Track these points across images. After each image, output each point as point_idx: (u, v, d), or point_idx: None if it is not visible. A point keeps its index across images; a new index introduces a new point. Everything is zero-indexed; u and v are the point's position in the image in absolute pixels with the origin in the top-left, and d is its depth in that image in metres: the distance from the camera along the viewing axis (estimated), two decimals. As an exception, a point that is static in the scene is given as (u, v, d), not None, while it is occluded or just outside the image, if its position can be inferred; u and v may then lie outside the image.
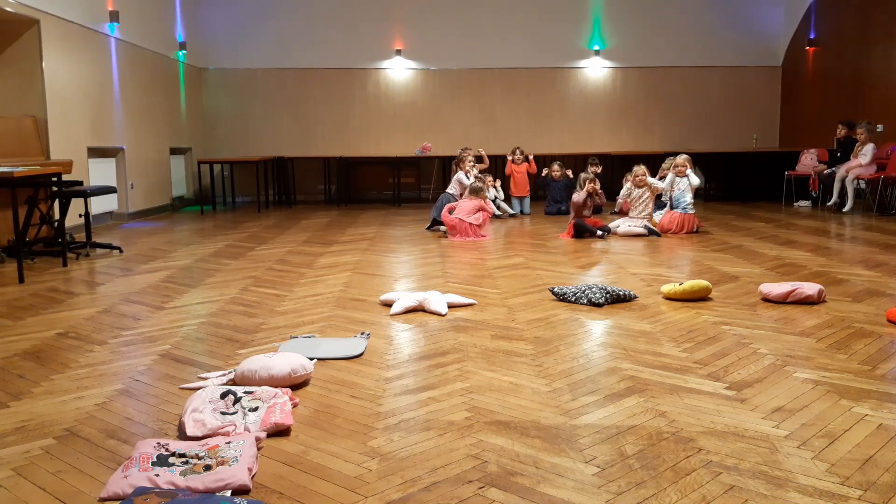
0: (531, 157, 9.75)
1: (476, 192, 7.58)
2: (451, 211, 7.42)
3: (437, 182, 11.87)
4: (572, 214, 7.31)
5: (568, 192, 9.26)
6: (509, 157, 9.78)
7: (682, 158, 7.69)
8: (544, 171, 9.62)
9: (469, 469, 2.11)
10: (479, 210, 7.39)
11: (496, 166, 10.81)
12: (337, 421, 2.49)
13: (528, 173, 9.78)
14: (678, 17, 12.02)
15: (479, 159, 9.26)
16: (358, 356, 3.23)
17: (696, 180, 7.53)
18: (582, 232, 7.10)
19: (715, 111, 12.24)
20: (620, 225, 7.35)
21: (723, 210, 9.71)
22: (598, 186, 7.48)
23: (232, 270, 5.52)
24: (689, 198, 7.44)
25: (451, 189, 8.36)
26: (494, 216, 8.86)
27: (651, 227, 7.29)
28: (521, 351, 3.29)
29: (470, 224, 7.25)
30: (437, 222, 7.83)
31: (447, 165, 11.14)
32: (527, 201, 9.57)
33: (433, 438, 2.33)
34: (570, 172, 9.54)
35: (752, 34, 12.14)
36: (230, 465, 2.07)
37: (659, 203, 8.49)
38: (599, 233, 7.07)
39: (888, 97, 9.62)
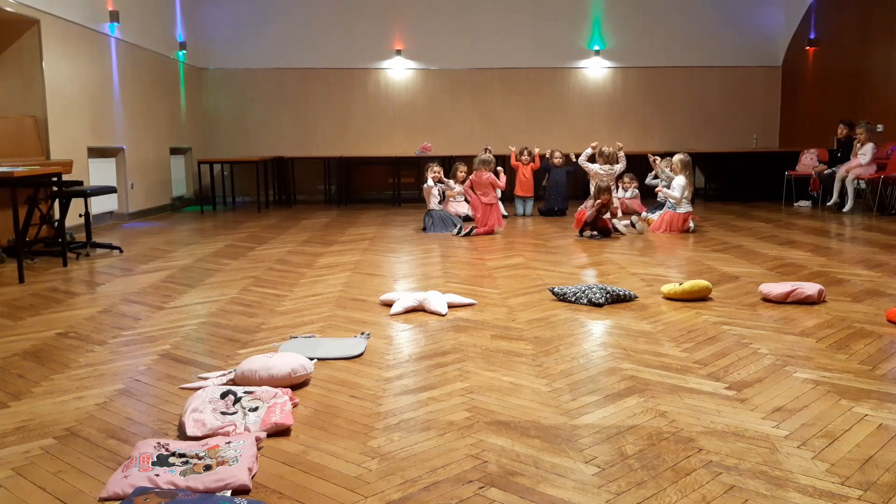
0: (536, 152, 9.64)
1: (484, 164, 7.72)
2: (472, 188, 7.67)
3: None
4: (589, 212, 7.14)
5: (570, 179, 9.30)
6: (513, 149, 9.67)
7: (675, 158, 7.72)
8: (547, 152, 9.57)
9: (469, 469, 2.11)
10: (490, 186, 7.53)
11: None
12: (337, 421, 2.49)
13: (532, 170, 9.72)
14: (678, 17, 12.02)
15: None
16: (358, 356, 3.23)
17: (668, 190, 7.60)
18: (596, 223, 7.10)
19: (715, 111, 12.24)
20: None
21: (723, 210, 9.71)
22: (611, 199, 7.23)
23: (232, 270, 5.52)
24: (674, 195, 7.46)
25: (435, 205, 8.14)
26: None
27: (635, 221, 7.44)
28: (521, 351, 3.29)
29: (489, 205, 7.46)
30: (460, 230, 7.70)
31: (447, 165, 11.12)
32: (529, 203, 9.53)
33: (433, 438, 2.33)
34: (572, 155, 9.52)
35: (752, 34, 12.14)
36: (230, 465, 2.07)
37: (657, 203, 8.52)
38: (594, 233, 7.09)
39: (888, 97, 9.61)
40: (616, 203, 7.49)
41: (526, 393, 2.73)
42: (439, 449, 2.25)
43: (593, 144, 8.04)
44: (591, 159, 8.10)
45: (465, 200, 8.32)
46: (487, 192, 7.63)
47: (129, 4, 9.09)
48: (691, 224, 7.44)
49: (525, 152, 9.64)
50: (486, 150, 8.86)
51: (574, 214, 7.35)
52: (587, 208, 7.15)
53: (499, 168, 8.01)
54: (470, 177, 7.91)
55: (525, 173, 9.54)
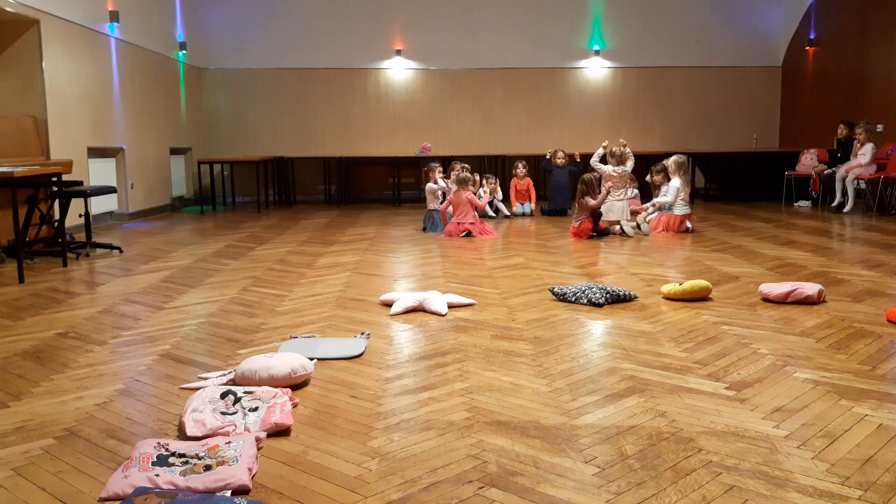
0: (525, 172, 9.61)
1: (462, 182, 7.54)
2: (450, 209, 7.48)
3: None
4: (583, 213, 7.13)
5: (573, 179, 9.27)
6: (514, 171, 9.66)
7: (670, 160, 7.68)
8: (548, 154, 9.57)
9: (469, 469, 2.11)
10: (469, 206, 7.39)
11: (500, 170, 10.80)
12: (337, 421, 2.49)
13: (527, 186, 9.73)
14: (678, 17, 12.02)
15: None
16: (358, 356, 3.23)
17: (663, 197, 7.62)
18: (597, 225, 7.08)
19: (715, 111, 12.24)
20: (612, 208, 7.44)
21: (723, 210, 9.71)
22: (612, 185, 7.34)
23: (232, 270, 5.52)
24: (666, 200, 7.50)
25: (432, 205, 8.10)
26: (490, 217, 8.88)
27: (639, 224, 7.46)
28: (521, 351, 3.29)
29: (461, 225, 7.30)
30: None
31: (447, 166, 11.12)
32: (528, 204, 9.53)
33: (433, 438, 2.33)
34: (576, 155, 9.52)
35: (752, 34, 12.14)
36: (230, 465, 2.07)
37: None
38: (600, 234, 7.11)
39: (888, 97, 9.61)
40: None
41: (526, 393, 2.73)
42: (439, 449, 2.25)
43: (604, 144, 8.00)
44: (604, 160, 8.06)
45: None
46: (467, 212, 7.37)
47: (129, 4, 9.09)
48: (689, 225, 7.44)
49: (520, 166, 9.57)
50: (462, 167, 8.03)
51: (571, 228, 7.24)
52: (580, 218, 7.11)
53: (487, 186, 7.94)
54: (448, 196, 7.63)
55: (521, 187, 9.54)
